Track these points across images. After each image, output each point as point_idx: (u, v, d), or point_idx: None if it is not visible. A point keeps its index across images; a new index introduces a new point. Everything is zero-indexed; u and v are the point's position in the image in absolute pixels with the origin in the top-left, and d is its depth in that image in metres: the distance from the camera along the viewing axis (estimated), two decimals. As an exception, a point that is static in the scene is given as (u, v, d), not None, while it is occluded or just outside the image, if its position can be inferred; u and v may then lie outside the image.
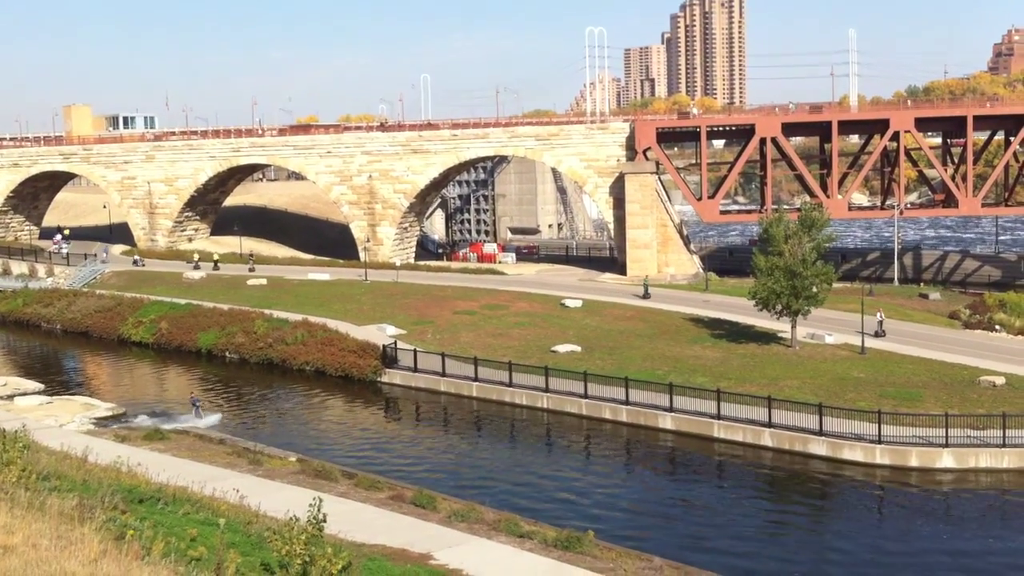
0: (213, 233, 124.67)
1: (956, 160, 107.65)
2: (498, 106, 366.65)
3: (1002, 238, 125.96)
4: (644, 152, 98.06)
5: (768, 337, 66.61)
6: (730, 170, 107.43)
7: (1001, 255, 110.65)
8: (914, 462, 43.56)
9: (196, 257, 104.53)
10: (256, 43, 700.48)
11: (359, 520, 32.16)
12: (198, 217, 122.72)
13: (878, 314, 67.46)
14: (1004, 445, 43.07)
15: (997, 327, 75.09)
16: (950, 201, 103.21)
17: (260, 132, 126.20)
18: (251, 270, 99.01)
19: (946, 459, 43.22)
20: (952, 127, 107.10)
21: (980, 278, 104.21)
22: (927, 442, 43.99)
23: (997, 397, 50.60)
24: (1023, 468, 42.71)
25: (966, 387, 52.94)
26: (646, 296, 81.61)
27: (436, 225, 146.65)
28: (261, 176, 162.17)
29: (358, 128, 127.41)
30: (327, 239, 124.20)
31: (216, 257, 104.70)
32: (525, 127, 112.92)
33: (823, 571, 33.14)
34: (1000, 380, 53.40)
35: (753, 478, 44.82)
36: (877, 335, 64.96)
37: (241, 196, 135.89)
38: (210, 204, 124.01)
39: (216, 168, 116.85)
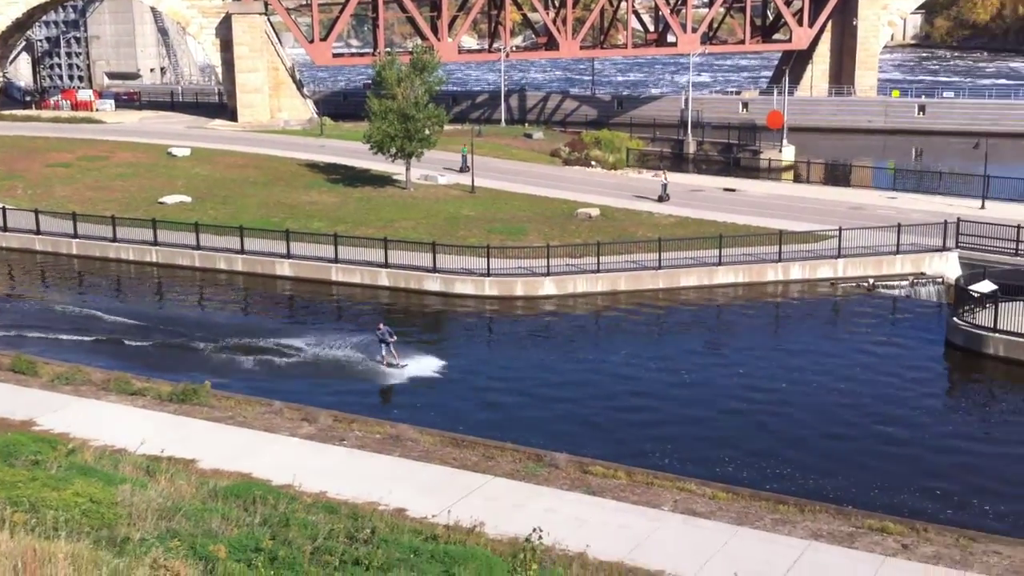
0: None
1: (557, 4, 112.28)
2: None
3: (620, 79, 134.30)
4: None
5: (383, 180, 67.32)
6: (341, 12, 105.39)
7: (597, 96, 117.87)
8: (520, 291, 46.29)
9: None
10: None
11: (-54, 393, 29.55)
12: None
13: (663, 177, 65.48)
14: (598, 271, 46.65)
15: (593, 163, 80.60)
16: (552, 44, 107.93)
17: None
18: None
19: (548, 287, 46.27)
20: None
21: (578, 117, 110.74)
22: (531, 272, 46.79)
23: (592, 228, 54.54)
24: (614, 291, 46.58)
25: (566, 220, 56.60)
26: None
27: (22, 71, 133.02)
28: None
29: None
30: None
31: None
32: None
33: (443, 398, 34.59)
34: (595, 212, 57.56)
35: (371, 317, 45.67)
36: (661, 199, 61.10)
37: None
38: None
39: None
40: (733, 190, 66.16)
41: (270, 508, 19.47)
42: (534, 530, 16.28)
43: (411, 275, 47.71)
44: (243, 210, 59.21)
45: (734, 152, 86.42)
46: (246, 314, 46.97)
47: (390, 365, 36.47)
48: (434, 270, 47.23)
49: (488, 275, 46.42)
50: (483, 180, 65.94)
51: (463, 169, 68.74)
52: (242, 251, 51.04)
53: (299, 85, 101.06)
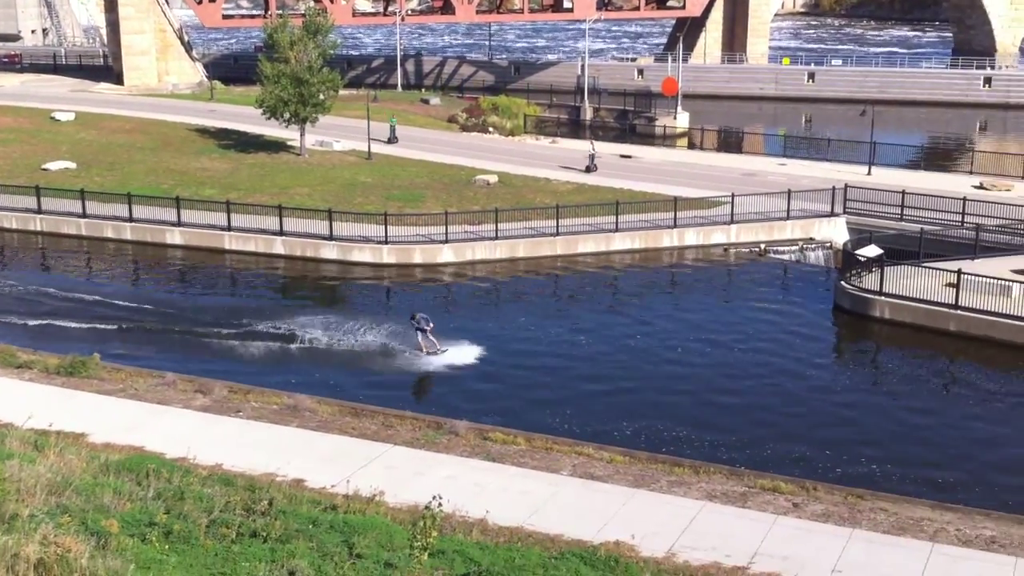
0: None
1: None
2: None
3: (519, 45, 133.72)
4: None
5: (277, 146, 66.17)
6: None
7: (494, 61, 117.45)
8: (418, 259, 46.06)
9: None
10: None
11: None
12: None
13: (592, 145, 63.21)
14: (496, 238, 46.66)
15: (490, 129, 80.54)
16: (448, 8, 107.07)
17: None
18: None
19: (447, 254, 46.12)
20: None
21: (476, 83, 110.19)
22: (429, 239, 46.56)
23: (490, 194, 54.49)
24: (513, 257, 46.66)
25: (464, 186, 56.43)
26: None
27: None
28: None
29: None
30: None
31: None
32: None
33: (340, 360, 34.27)
34: (493, 178, 57.50)
35: (267, 285, 45.06)
36: (588, 170, 59.80)
37: None
38: None
39: None
40: (629, 157, 66.71)
41: (164, 482, 19.11)
42: (434, 497, 16.30)
43: (307, 243, 47.05)
44: (131, 177, 57.63)
45: (630, 119, 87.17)
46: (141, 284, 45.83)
47: (429, 352, 34.17)
48: (331, 238, 46.65)
49: (386, 243, 46.06)
50: (380, 147, 65.30)
51: (391, 140, 67.82)
52: (131, 219, 49.73)
53: (188, 47, 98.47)
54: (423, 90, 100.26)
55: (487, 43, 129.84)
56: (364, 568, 15.52)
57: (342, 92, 70.63)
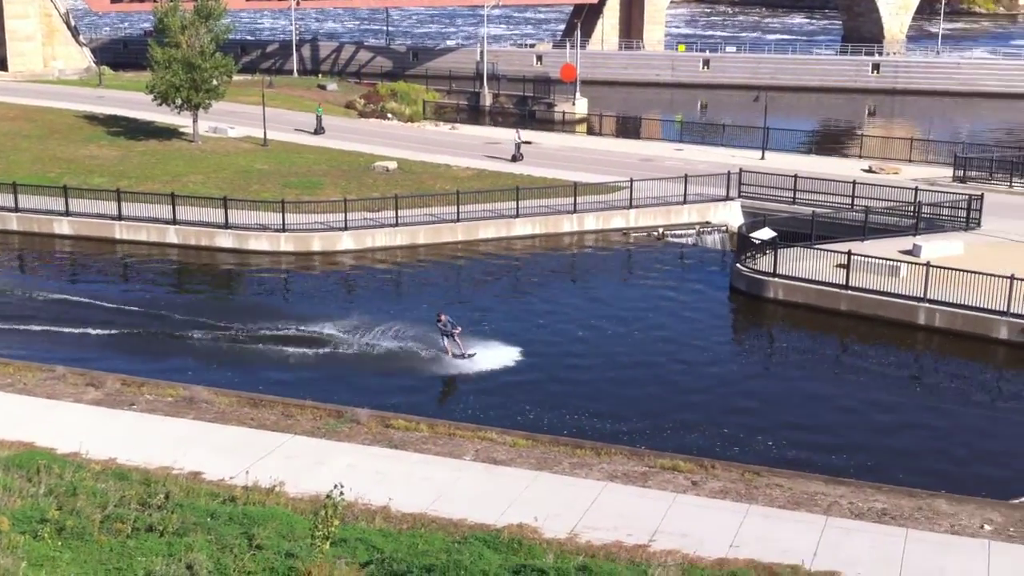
0: None
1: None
2: None
3: (419, 31, 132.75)
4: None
5: (169, 133, 64.67)
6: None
7: (392, 47, 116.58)
8: (317, 246, 45.51)
9: None
10: None
11: None
12: None
13: (517, 135, 61.99)
14: (397, 224, 46.38)
15: (389, 115, 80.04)
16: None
17: None
18: None
19: (346, 241, 45.66)
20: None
21: (373, 69, 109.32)
22: (328, 227, 46.04)
23: (390, 180, 54.12)
24: (414, 244, 46.43)
25: (363, 173, 55.94)
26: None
27: None
28: None
29: None
30: None
31: None
32: None
33: (249, 354, 33.71)
34: (392, 165, 57.10)
35: (161, 274, 44.06)
36: (515, 159, 58.87)
37: None
38: None
39: None
40: (529, 143, 66.74)
41: (56, 477, 18.61)
42: (335, 486, 16.14)
43: (202, 232, 46.11)
44: (15, 165, 55.76)
45: (529, 105, 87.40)
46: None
47: (455, 356, 32.75)
48: (226, 226, 45.79)
49: (283, 230, 45.41)
50: (276, 133, 64.28)
51: (318, 131, 66.55)
52: (16, 209, 48.14)
53: (75, 32, 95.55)
54: (320, 76, 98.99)
55: (384, 28, 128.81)
56: (265, 559, 15.31)
57: (237, 78, 69.41)
